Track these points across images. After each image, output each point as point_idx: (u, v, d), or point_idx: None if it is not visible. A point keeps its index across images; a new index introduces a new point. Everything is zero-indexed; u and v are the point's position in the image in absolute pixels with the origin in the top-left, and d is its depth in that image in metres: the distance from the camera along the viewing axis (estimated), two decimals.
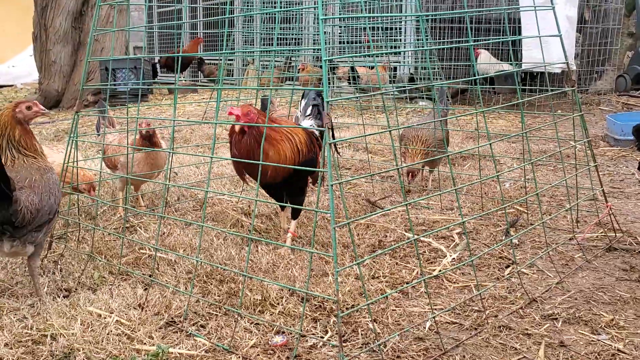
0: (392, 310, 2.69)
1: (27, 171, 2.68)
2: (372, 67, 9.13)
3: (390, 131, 2.44)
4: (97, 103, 9.90)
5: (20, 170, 2.67)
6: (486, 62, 8.54)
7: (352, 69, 8.91)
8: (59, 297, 2.82)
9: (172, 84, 11.71)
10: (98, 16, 3.22)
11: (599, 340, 2.41)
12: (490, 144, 2.80)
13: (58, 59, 10.40)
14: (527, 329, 2.51)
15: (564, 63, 3.46)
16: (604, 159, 5.72)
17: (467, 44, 2.81)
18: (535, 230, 3.65)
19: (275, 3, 10.22)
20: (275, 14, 7.79)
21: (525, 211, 3.99)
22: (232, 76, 11.89)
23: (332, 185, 2.17)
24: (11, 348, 2.33)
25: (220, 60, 9.98)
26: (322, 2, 2.13)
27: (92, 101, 10.16)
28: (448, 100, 4.90)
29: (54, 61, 10.39)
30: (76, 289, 2.91)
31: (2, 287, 2.96)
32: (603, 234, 3.55)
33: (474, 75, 2.84)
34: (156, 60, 11.63)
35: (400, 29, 9.62)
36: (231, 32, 10.29)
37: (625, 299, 2.76)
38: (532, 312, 2.66)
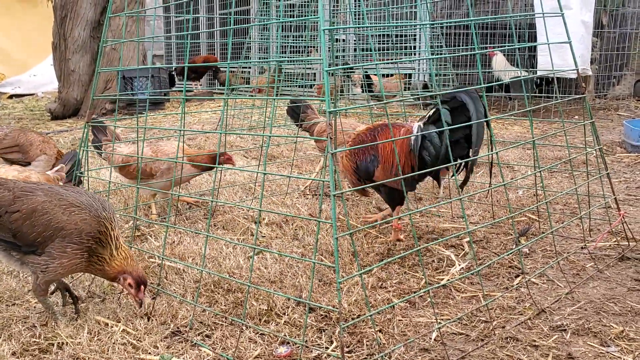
0: (399, 320, 2.67)
1: None
2: (385, 75, 9.13)
3: (393, 140, 2.44)
4: (113, 112, 10.03)
5: None
6: (501, 68, 8.48)
7: (367, 76, 8.90)
8: (68, 305, 2.85)
9: (188, 92, 11.83)
10: (109, 27, 3.26)
11: (608, 352, 2.37)
12: (497, 153, 2.77)
13: (77, 68, 10.56)
14: (534, 341, 2.47)
15: (575, 70, 3.42)
16: (621, 165, 5.63)
17: (473, 52, 2.80)
18: (547, 239, 3.60)
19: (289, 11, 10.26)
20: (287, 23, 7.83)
21: (537, 219, 3.94)
22: (249, 84, 11.96)
23: (334, 196, 2.17)
24: (18, 357, 2.36)
25: (235, 68, 10.05)
26: (323, 13, 2.13)
27: (110, 109, 10.30)
28: None
29: (73, 70, 10.55)
30: (85, 299, 2.95)
31: (14, 296, 3.00)
32: (616, 242, 3.50)
33: (485, 81, 2.83)
34: (173, 69, 11.75)
35: (412, 35, 9.61)
36: (242, 41, 10.38)
37: (636, 310, 2.71)
38: (541, 323, 2.62)
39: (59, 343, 2.46)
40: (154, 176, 4.06)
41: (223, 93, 11.82)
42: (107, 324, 2.62)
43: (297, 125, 5.04)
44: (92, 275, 3.15)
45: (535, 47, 7.92)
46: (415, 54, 9.63)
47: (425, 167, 3.30)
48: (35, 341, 2.48)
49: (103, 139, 4.18)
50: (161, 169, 4.03)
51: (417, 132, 3.34)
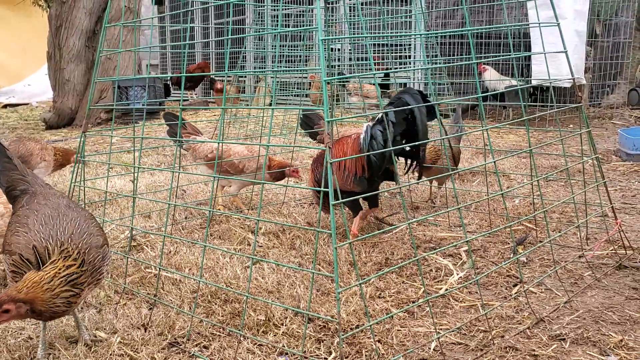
0: (397, 330, 2.66)
1: None
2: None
3: (392, 150, 2.44)
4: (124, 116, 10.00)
5: None
6: (495, 79, 8.52)
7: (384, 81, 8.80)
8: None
9: (184, 101, 11.83)
10: (105, 36, 3.26)
11: None
12: (494, 162, 2.77)
13: (72, 77, 10.57)
14: (533, 350, 2.46)
15: (571, 79, 3.44)
16: (616, 173, 5.65)
17: (470, 61, 2.81)
18: (544, 248, 3.60)
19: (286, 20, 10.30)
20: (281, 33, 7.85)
21: (535, 228, 3.95)
22: (244, 93, 11.97)
23: (333, 205, 2.16)
24: None
25: (230, 77, 10.07)
26: (321, 24, 2.13)
27: (105, 118, 10.28)
28: (462, 120, 4.89)
29: (67, 80, 10.55)
30: (82, 309, 2.92)
31: None
32: (613, 251, 3.50)
33: (480, 91, 2.84)
34: (168, 79, 11.76)
35: (408, 45, 9.66)
36: (237, 51, 10.40)
37: (635, 319, 2.71)
38: (540, 332, 2.62)
39: (54, 355, 2.43)
40: (242, 172, 4.37)
41: (210, 107, 11.82)
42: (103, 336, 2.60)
43: (310, 136, 4.99)
44: None
45: (530, 56, 7.97)
46: (410, 64, 9.66)
47: (373, 166, 3.58)
48: (31, 353, 2.46)
49: (183, 132, 4.46)
50: (252, 167, 4.36)
51: (366, 132, 3.59)
